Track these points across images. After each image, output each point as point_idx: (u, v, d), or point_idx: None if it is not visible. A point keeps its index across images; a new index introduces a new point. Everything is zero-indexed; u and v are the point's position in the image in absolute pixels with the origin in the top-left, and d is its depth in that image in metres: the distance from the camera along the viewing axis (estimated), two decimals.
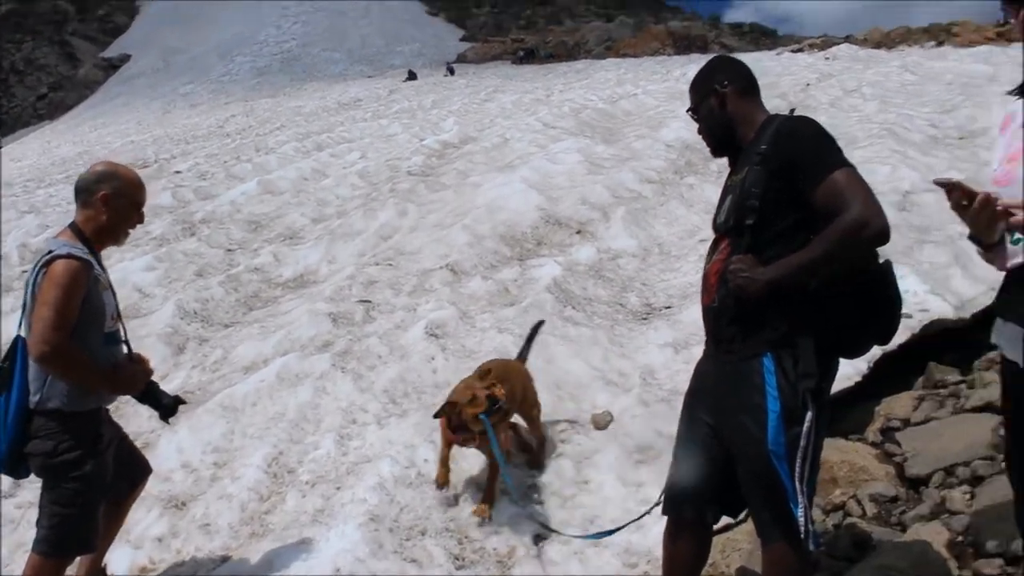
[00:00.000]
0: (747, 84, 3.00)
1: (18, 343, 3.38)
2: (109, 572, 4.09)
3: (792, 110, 3.02)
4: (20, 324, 3.42)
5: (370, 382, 5.72)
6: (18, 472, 3.48)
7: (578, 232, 8.36)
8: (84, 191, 3.48)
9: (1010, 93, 2.39)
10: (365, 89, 29.71)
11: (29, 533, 4.48)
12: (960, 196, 2.24)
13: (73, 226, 3.47)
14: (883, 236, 2.55)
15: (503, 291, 7.09)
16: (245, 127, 21.77)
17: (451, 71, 38.11)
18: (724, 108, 2.96)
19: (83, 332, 3.31)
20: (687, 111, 3.16)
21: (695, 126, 3.13)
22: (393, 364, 5.94)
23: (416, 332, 6.31)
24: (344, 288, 7.44)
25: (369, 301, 7.18)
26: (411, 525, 4.36)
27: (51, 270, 3.24)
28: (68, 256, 3.26)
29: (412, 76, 36.45)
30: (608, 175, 10.00)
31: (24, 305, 3.38)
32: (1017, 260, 2.20)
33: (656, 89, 17.37)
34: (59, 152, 24.62)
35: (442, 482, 4.59)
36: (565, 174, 10.24)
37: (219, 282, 7.99)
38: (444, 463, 4.61)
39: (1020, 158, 2.22)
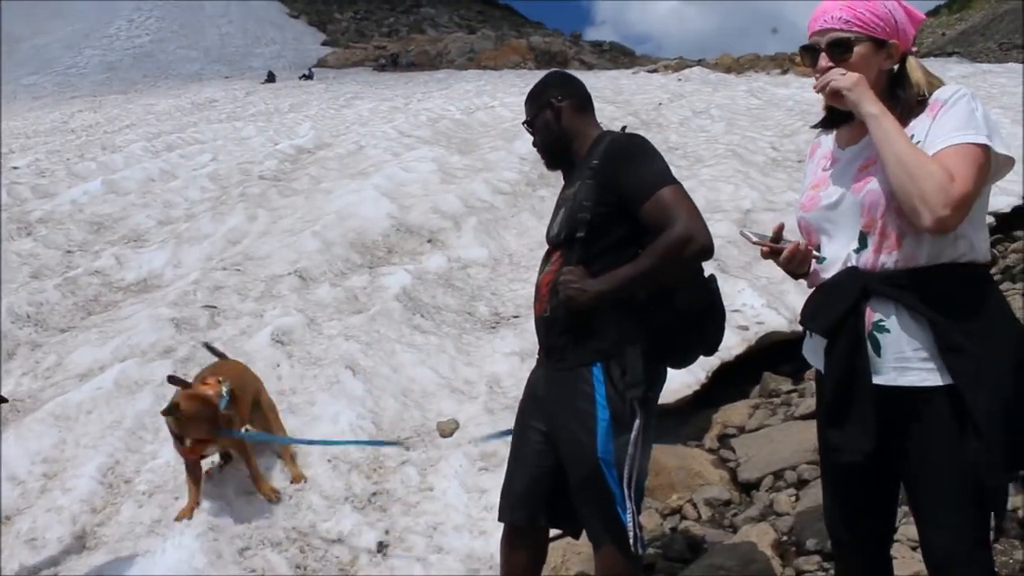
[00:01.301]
0: (582, 100, 3.08)
1: None
2: None
3: (623, 128, 3.13)
4: None
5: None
6: None
7: (429, 241, 8.42)
8: None
9: (813, 127, 2.57)
10: (222, 90, 28.97)
11: None
12: (766, 251, 2.44)
13: None
14: (706, 252, 2.65)
15: (352, 298, 7.07)
16: (92, 124, 20.88)
17: (309, 75, 37.55)
18: (559, 122, 3.02)
19: None
20: (523, 123, 3.20)
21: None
22: None
23: (262, 338, 6.22)
24: (189, 293, 7.24)
25: (214, 307, 7.02)
26: (251, 534, 4.30)
27: None
28: None
29: (271, 78, 35.77)
30: (461, 185, 10.09)
31: None
32: (823, 276, 2.37)
33: (513, 102, 17.59)
34: None
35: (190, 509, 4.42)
36: (418, 183, 10.28)
37: (55, 285, 7.64)
38: (195, 485, 4.45)
39: (821, 185, 2.40)
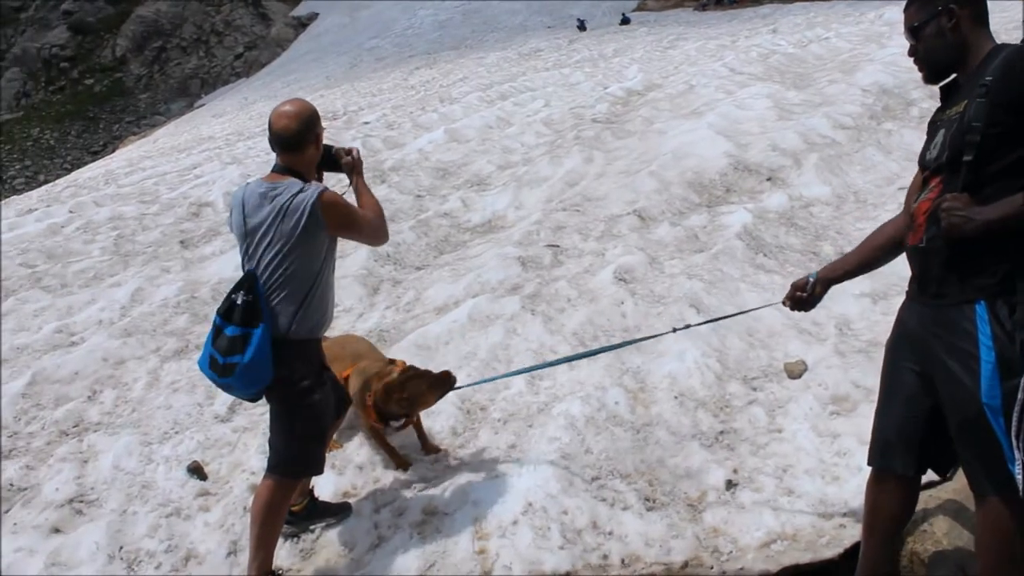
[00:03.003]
0: (982, 8, 2.77)
1: (253, 278, 3.56)
2: (316, 494, 4.35)
3: None
4: (251, 259, 3.61)
5: (560, 324, 5.79)
6: (256, 396, 3.72)
7: (768, 179, 8.12)
8: (296, 138, 3.64)
9: None
10: (545, 40, 29.65)
11: (246, 455, 4.84)
12: None
13: (286, 169, 3.67)
14: None
15: (692, 237, 6.99)
16: (429, 79, 22.15)
17: (627, 20, 37.40)
18: (957, 31, 2.71)
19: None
20: (907, 28, 2.88)
21: (894, 69, 2.92)
22: (582, 307, 5.98)
23: (605, 276, 6.33)
24: (532, 233, 7.52)
25: (557, 245, 7.24)
26: (601, 465, 4.41)
27: (328, 200, 3.55)
28: (325, 189, 3.59)
29: (582, 26, 36.05)
30: (799, 121, 9.63)
31: (256, 240, 3.58)
32: None
33: (849, 32, 16.50)
34: (255, 108, 25.76)
35: (408, 463, 4.66)
36: (754, 120, 9.93)
37: (410, 227, 8.24)
38: (393, 449, 4.69)
39: None
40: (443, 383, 4.42)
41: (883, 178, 7.83)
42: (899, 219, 3.10)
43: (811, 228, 7.02)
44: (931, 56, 2.82)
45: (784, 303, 3.40)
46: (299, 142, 3.64)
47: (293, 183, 3.57)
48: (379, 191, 9.68)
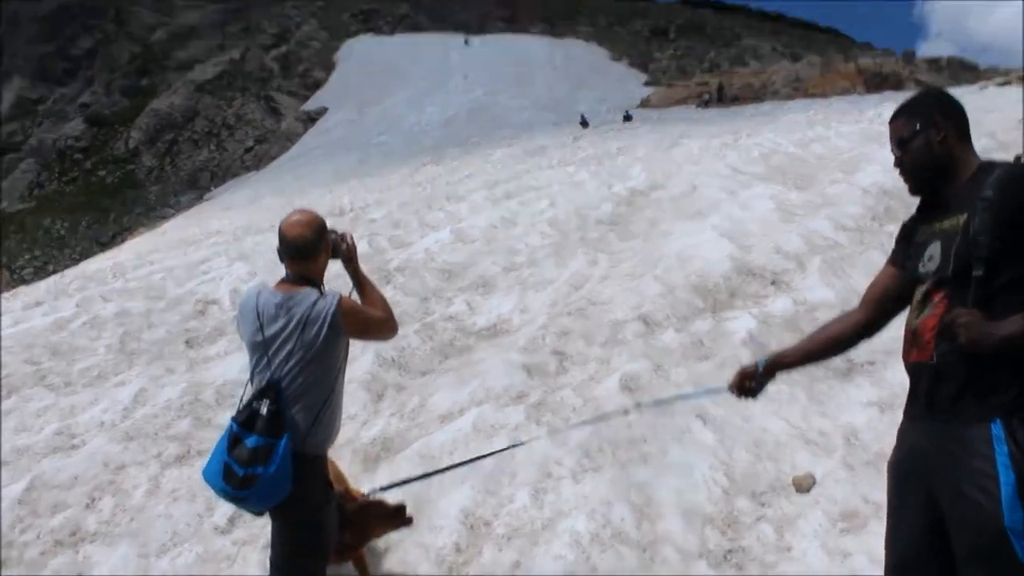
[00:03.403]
0: (966, 125, 2.83)
1: (278, 387, 3.53)
2: None
3: (1018, 157, 2.84)
4: (268, 369, 3.58)
5: (565, 436, 5.74)
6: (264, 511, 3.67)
7: (772, 283, 8.15)
8: (310, 246, 3.68)
9: None
10: (551, 136, 30.17)
11: (245, 569, 4.76)
12: None
13: (299, 278, 3.69)
14: None
15: (697, 344, 6.98)
16: (436, 175, 22.52)
17: (629, 117, 38.11)
18: (944, 144, 2.78)
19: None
20: (893, 140, 2.93)
21: (895, 170, 2.97)
22: (587, 416, 5.94)
23: (611, 384, 6.29)
24: (537, 339, 7.51)
25: (561, 352, 7.24)
26: None
27: (347, 308, 3.61)
28: (342, 297, 3.64)
29: (585, 123, 36.74)
30: (802, 223, 9.71)
31: (274, 350, 3.57)
32: None
33: (849, 131, 16.81)
34: (264, 201, 26.18)
35: None
36: (757, 221, 10.02)
37: (415, 330, 8.24)
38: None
39: None
40: (395, 517, 4.37)
41: None
42: (851, 316, 3.15)
43: None
44: (917, 168, 2.86)
45: (731, 390, 3.38)
46: (313, 250, 3.69)
47: (310, 292, 3.60)
48: (385, 292, 9.70)
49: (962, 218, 2.64)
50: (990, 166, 2.72)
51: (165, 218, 46.52)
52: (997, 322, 2.47)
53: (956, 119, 2.82)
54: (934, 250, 2.73)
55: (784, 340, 6.81)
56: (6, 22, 78.33)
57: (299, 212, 3.79)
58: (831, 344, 3.19)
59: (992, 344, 2.46)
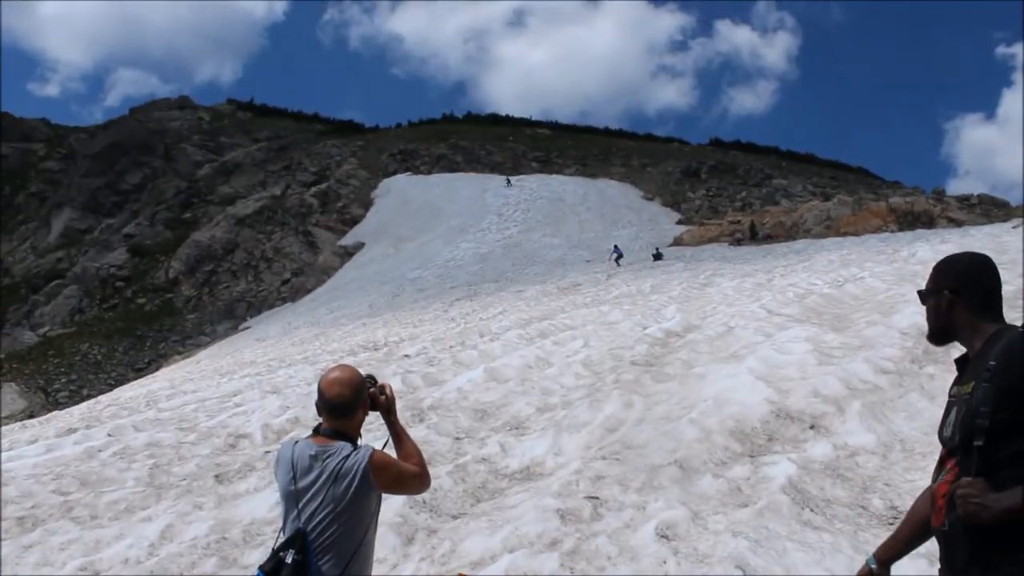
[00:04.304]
0: (983, 295, 2.78)
1: (304, 537, 3.50)
2: None
3: None
4: (299, 519, 3.56)
5: None
6: None
7: (811, 427, 8.00)
8: (349, 405, 3.69)
9: None
10: (584, 273, 30.42)
11: None
12: None
13: (336, 433, 3.68)
14: None
15: (735, 490, 6.81)
16: (469, 311, 22.67)
17: (659, 255, 38.40)
18: (951, 312, 2.78)
19: None
20: (918, 292, 2.99)
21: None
22: (623, 566, 5.76)
23: (647, 533, 6.12)
24: (571, 483, 7.37)
25: (597, 497, 7.08)
26: None
27: (378, 462, 3.60)
28: (374, 451, 3.63)
29: (619, 255, 37.15)
30: (840, 365, 9.60)
31: (306, 501, 3.55)
32: None
33: (883, 271, 16.80)
34: (298, 334, 26.41)
35: None
36: (794, 365, 9.92)
37: (447, 472, 8.13)
38: None
39: None
40: None
41: (929, 425, 7.67)
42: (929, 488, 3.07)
43: (858, 479, 6.83)
44: (929, 323, 2.90)
45: None
46: (351, 409, 3.71)
47: (344, 446, 3.61)
48: (418, 432, 9.64)
49: (971, 386, 2.63)
50: (1002, 332, 2.69)
51: (200, 346, 47.17)
52: (999, 494, 2.43)
53: (969, 290, 2.78)
54: (952, 416, 2.72)
55: (825, 486, 6.65)
56: (64, 158, 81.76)
57: (339, 368, 3.82)
58: (926, 526, 3.10)
59: (990, 516, 2.42)
